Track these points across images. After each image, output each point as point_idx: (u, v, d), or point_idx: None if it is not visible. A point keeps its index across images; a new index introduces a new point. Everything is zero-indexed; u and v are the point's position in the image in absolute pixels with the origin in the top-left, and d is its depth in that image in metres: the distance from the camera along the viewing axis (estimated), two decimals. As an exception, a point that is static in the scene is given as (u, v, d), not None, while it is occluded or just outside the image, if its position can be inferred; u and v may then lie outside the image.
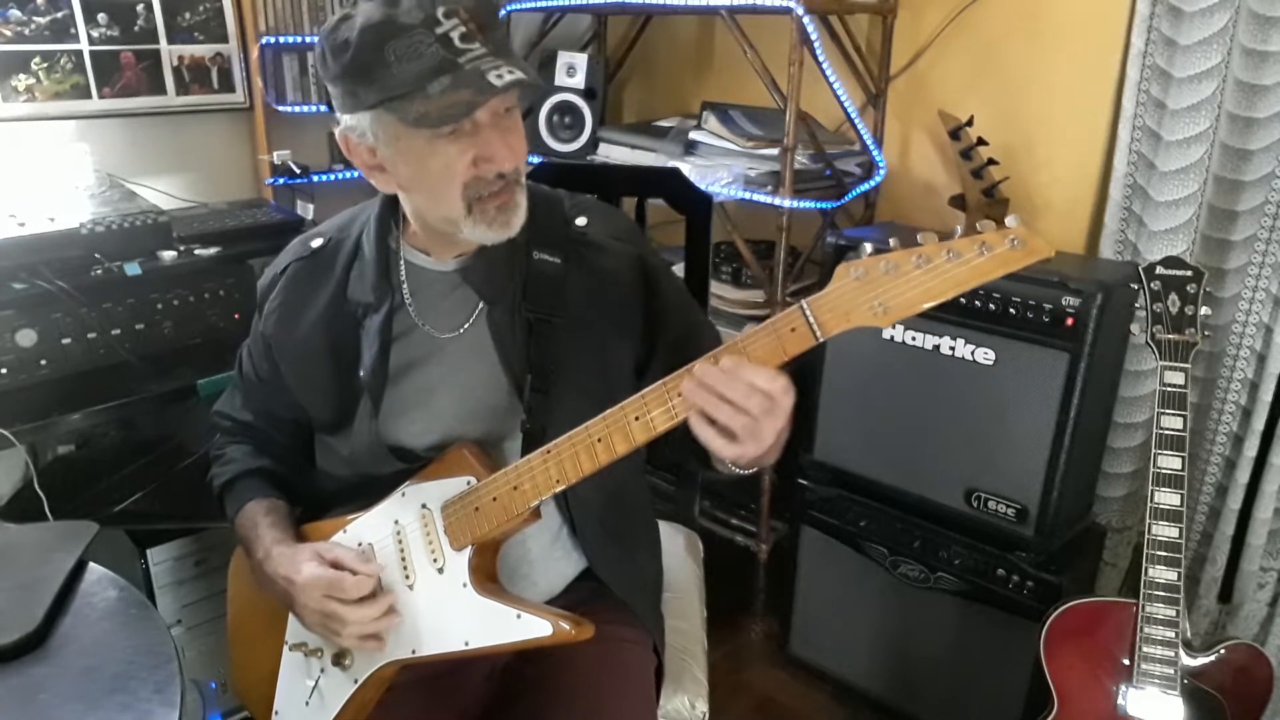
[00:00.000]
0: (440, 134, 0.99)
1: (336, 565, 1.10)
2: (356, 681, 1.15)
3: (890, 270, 0.85)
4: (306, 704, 1.19)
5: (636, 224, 1.25)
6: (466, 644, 1.10)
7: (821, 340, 0.88)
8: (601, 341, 1.16)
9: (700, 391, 0.90)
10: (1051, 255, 0.82)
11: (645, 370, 1.19)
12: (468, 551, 1.09)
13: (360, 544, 1.16)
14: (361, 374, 1.15)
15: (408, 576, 1.12)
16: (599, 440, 1.00)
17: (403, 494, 1.13)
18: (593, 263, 1.17)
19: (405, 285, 1.16)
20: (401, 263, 1.17)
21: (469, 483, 1.09)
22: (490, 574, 1.13)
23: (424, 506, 1.12)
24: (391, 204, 1.17)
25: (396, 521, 1.13)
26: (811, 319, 0.88)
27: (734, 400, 0.88)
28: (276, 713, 1.22)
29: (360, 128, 1.03)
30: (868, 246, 0.87)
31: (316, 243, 1.22)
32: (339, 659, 1.16)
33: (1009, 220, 0.82)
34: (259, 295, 1.24)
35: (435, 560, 1.11)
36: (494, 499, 1.06)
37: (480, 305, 1.15)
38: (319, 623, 1.11)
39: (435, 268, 1.16)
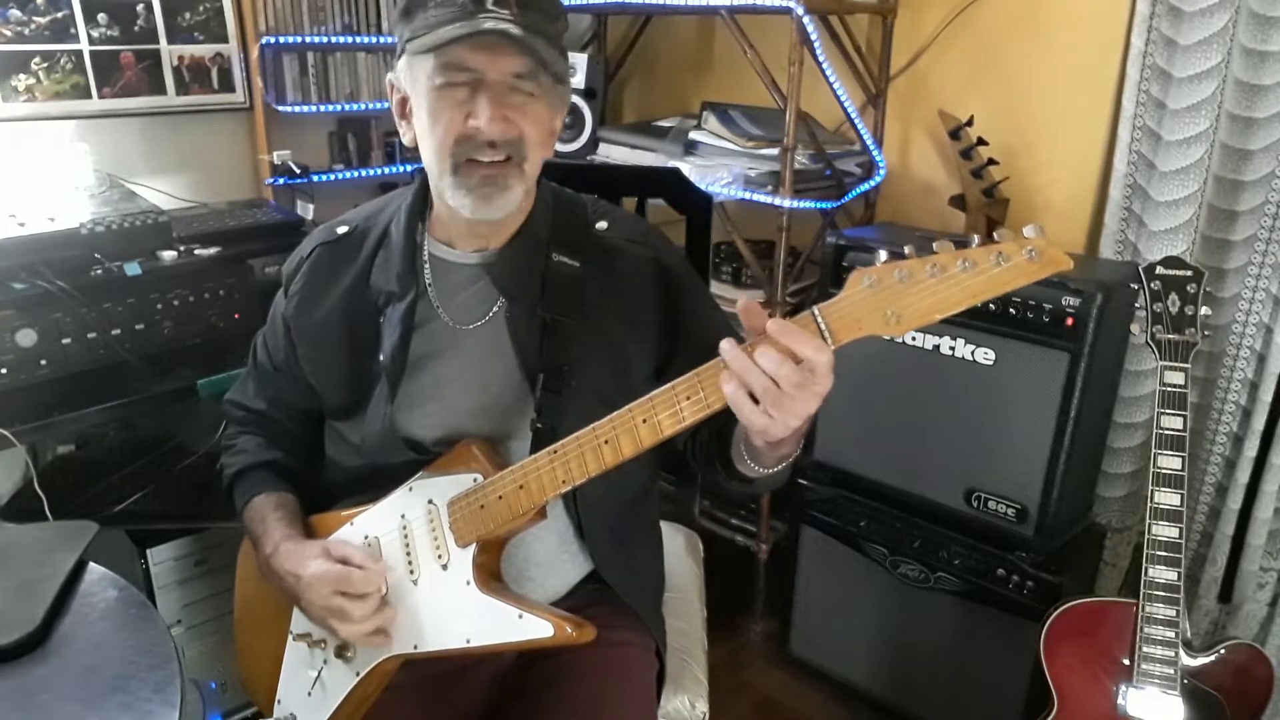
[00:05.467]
0: (450, 83, 1.02)
1: (344, 562, 1.10)
2: (358, 674, 1.15)
3: (904, 279, 0.83)
4: (309, 694, 1.19)
5: (658, 228, 1.26)
6: (468, 641, 1.10)
7: (832, 348, 0.86)
8: (617, 345, 1.16)
9: (733, 351, 0.87)
10: (1070, 267, 0.79)
11: (664, 373, 1.18)
12: (472, 549, 1.09)
13: (367, 537, 1.16)
14: (381, 359, 1.15)
15: (412, 571, 1.12)
16: (605, 442, 0.99)
17: (410, 488, 1.13)
18: (611, 266, 1.17)
19: (428, 275, 1.17)
20: (425, 254, 1.17)
21: (475, 479, 1.09)
22: (494, 572, 1.13)
23: (431, 501, 1.12)
24: (422, 194, 1.18)
25: (403, 516, 1.14)
26: (823, 325, 0.86)
27: (764, 366, 0.85)
28: (279, 701, 1.23)
29: (399, 74, 1.09)
30: (882, 254, 0.85)
31: (343, 229, 1.23)
32: (342, 651, 1.16)
33: (1027, 230, 0.80)
34: (284, 278, 1.25)
35: (440, 556, 1.11)
36: (500, 497, 1.06)
37: (500, 302, 1.15)
38: (322, 619, 1.11)
39: (457, 259, 1.17)
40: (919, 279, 0.82)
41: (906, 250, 0.84)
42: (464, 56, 1.01)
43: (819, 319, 0.86)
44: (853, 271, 0.85)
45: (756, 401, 0.86)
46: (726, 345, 0.88)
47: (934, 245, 0.83)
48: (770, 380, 0.85)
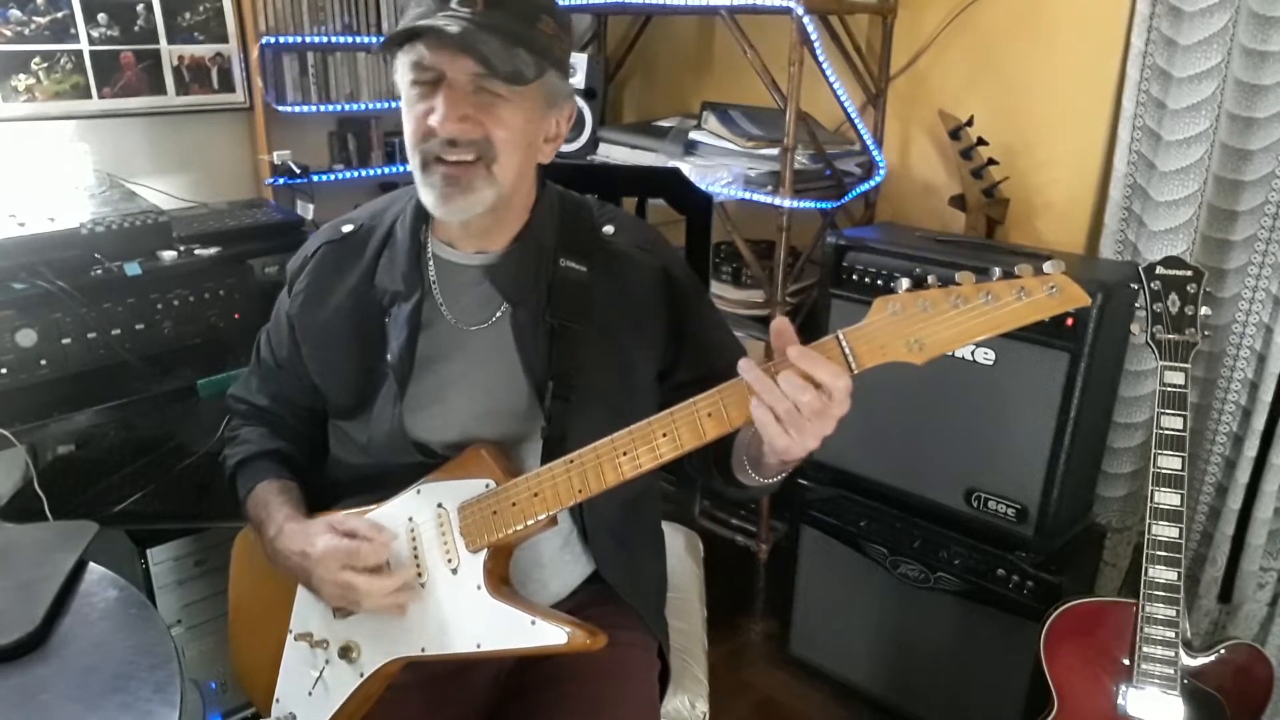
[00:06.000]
0: (417, 80, 1.03)
1: (350, 536, 1.10)
2: (362, 675, 1.15)
3: (927, 308, 0.86)
4: (310, 694, 1.19)
5: (663, 235, 1.26)
6: (478, 646, 1.10)
7: (856, 373, 0.88)
8: (624, 352, 1.16)
9: (758, 375, 0.89)
10: (1089, 304, 0.84)
11: (666, 379, 1.19)
12: (483, 554, 1.09)
13: None
14: (389, 358, 1.15)
15: (420, 574, 1.12)
16: (624, 454, 1.00)
17: (418, 491, 1.13)
18: (618, 273, 1.17)
19: (433, 275, 1.17)
20: (430, 253, 1.17)
21: (487, 485, 1.09)
22: (503, 577, 1.13)
23: (440, 505, 1.11)
24: None
25: (411, 518, 1.13)
26: (847, 350, 0.88)
27: (786, 392, 0.87)
28: (277, 700, 1.22)
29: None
30: (905, 282, 0.87)
31: (348, 227, 1.22)
32: (345, 652, 1.16)
33: (1047, 266, 0.83)
34: (288, 276, 1.25)
35: (450, 560, 1.11)
36: (513, 504, 1.06)
37: (504, 305, 1.15)
38: (337, 595, 1.10)
39: (460, 260, 1.16)
40: (942, 309, 0.85)
41: (929, 280, 0.86)
42: (425, 54, 1.02)
43: (844, 343, 0.88)
44: (877, 298, 0.88)
45: (779, 421, 0.88)
46: (745, 366, 0.90)
47: (957, 276, 0.85)
48: (791, 405, 0.87)
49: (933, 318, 0.86)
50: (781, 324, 0.90)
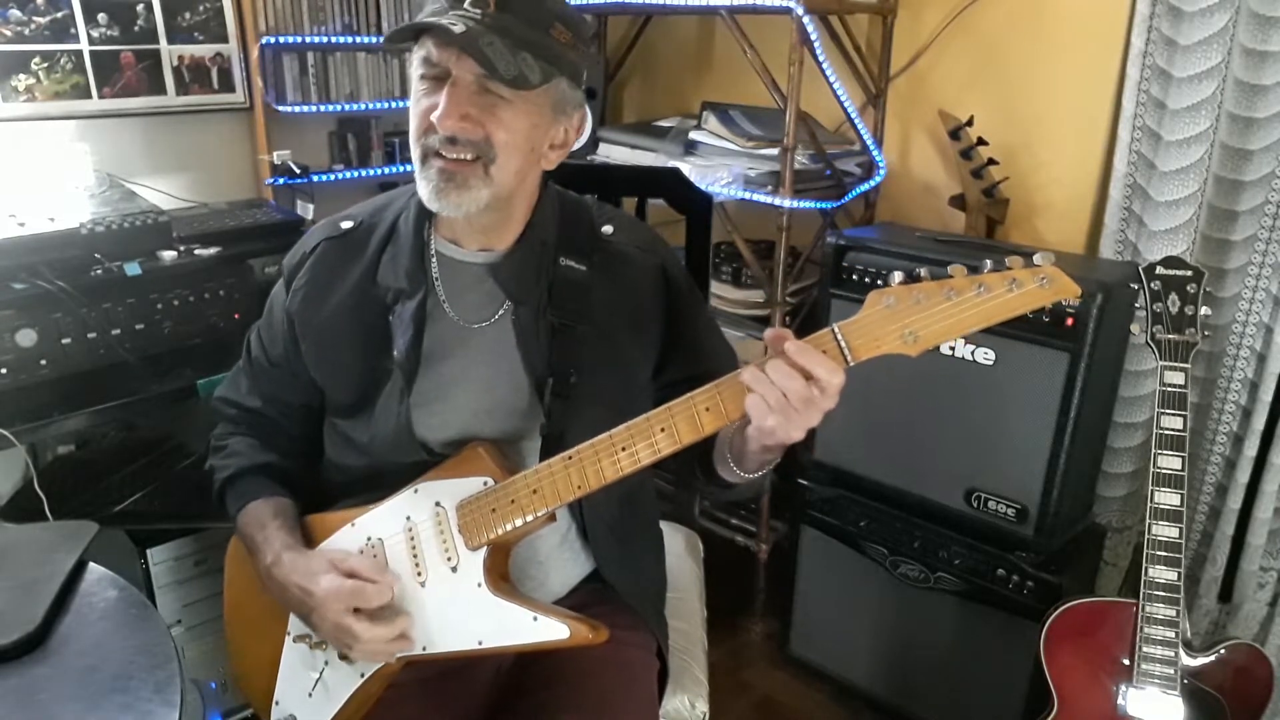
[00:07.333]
0: (425, 75, 1.04)
1: (352, 575, 1.09)
2: (362, 675, 1.16)
3: (921, 301, 0.87)
4: (310, 695, 1.19)
5: (661, 235, 1.26)
6: (480, 643, 1.10)
7: (850, 365, 0.90)
8: (622, 351, 1.17)
9: (752, 369, 0.91)
10: (1079, 294, 0.85)
11: (656, 377, 1.20)
12: (482, 552, 1.09)
13: (369, 539, 1.15)
14: (395, 355, 1.14)
15: (419, 573, 1.12)
16: (623, 449, 1.00)
17: (415, 490, 1.13)
18: (617, 272, 1.17)
19: (436, 272, 1.17)
20: (433, 251, 1.17)
21: (485, 483, 1.09)
22: (503, 574, 1.13)
23: (438, 504, 1.11)
24: None
25: (409, 518, 1.13)
26: (843, 343, 0.90)
27: (775, 380, 0.89)
28: (277, 702, 1.22)
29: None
30: (898, 275, 0.88)
31: (347, 224, 1.22)
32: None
33: (1037, 257, 0.84)
34: (286, 273, 1.23)
35: (449, 559, 1.11)
36: (512, 501, 1.07)
37: (507, 303, 1.15)
38: (333, 637, 1.10)
39: (463, 258, 1.16)
40: (935, 302, 0.87)
41: (922, 273, 0.88)
42: (433, 50, 1.02)
43: (839, 337, 0.90)
44: (871, 292, 0.89)
45: (769, 407, 0.90)
46: (749, 370, 0.92)
47: (949, 269, 0.87)
48: (780, 393, 0.89)
49: (926, 310, 0.87)
50: (778, 329, 0.93)
